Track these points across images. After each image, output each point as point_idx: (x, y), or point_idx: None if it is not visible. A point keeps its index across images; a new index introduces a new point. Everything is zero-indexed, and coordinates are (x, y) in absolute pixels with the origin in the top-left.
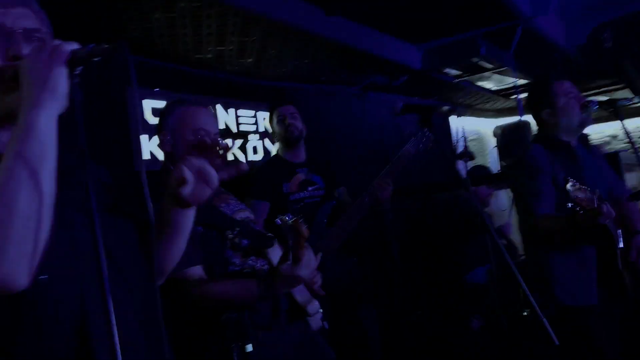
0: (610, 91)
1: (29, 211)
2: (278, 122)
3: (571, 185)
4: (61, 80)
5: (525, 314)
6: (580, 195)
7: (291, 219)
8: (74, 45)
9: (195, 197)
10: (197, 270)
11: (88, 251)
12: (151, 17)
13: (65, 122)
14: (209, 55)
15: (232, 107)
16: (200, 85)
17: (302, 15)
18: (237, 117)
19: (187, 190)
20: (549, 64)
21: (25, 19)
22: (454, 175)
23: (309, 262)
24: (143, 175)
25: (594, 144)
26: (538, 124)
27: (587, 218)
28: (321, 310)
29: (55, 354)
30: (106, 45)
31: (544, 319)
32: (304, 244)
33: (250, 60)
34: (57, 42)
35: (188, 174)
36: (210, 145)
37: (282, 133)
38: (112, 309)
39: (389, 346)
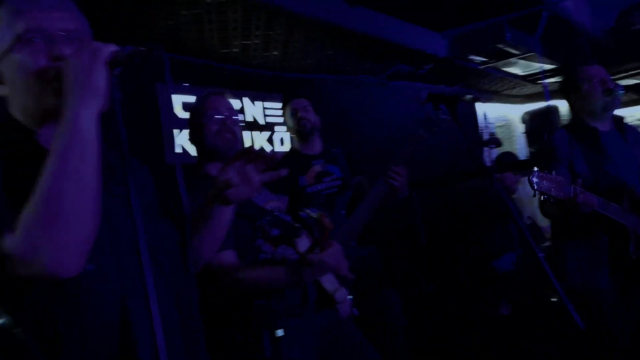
0: None
1: (76, 203)
2: (291, 115)
3: (536, 176)
4: (101, 80)
5: (554, 300)
6: (545, 184)
7: (316, 213)
8: (113, 47)
9: (237, 198)
10: (230, 255)
11: (129, 243)
12: (178, 14)
13: (106, 119)
14: (235, 50)
15: (258, 100)
16: (227, 79)
17: (326, 8)
18: (263, 109)
19: (231, 192)
20: (576, 49)
21: (65, 21)
22: (476, 163)
23: (335, 251)
24: (178, 168)
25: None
26: (569, 110)
27: (570, 207)
28: (350, 297)
29: (98, 339)
30: (143, 48)
31: (569, 304)
32: (328, 235)
33: (275, 53)
34: (97, 44)
35: (234, 178)
36: (255, 153)
37: (295, 126)
38: (153, 299)
39: (415, 333)
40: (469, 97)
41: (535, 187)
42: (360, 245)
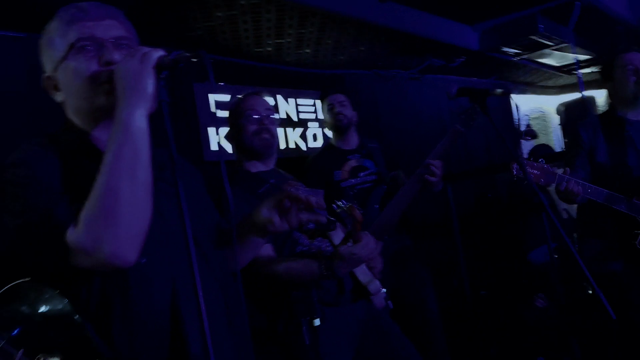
0: None
1: (131, 198)
2: (328, 111)
3: (515, 167)
4: (150, 83)
5: (590, 292)
6: (529, 170)
7: (346, 205)
8: (160, 52)
9: (277, 229)
10: (266, 249)
11: (178, 237)
12: (214, 15)
13: (154, 120)
14: (269, 49)
15: (291, 97)
16: (261, 77)
17: (357, 4)
18: (297, 106)
19: (271, 227)
20: (612, 38)
21: (113, 29)
22: (509, 155)
23: (367, 243)
24: (223, 165)
25: None
26: (606, 98)
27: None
28: (384, 290)
29: (151, 324)
30: (188, 54)
31: (601, 294)
32: (360, 227)
33: (307, 51)
34: (145, 49)
35: (276, 218)
36: (297, 199)
37: (332, 121)
38: (200, 290)
39: (452, 325)
40: (499, 90)
41: (515, 173)
42: (394, 238)
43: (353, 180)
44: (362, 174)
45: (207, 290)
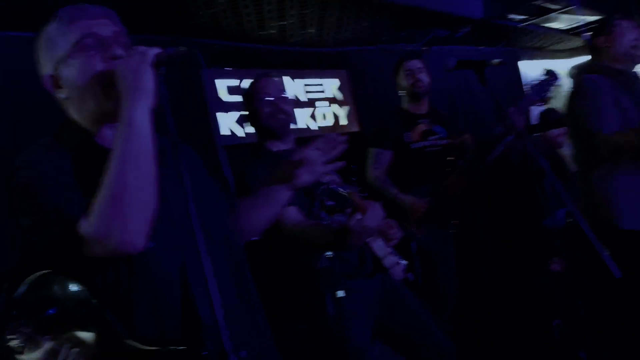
0: None
1: (137, 190)
2: (406, 76)
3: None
4: (150, 80)
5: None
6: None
7: (347, 191)
8: (156, 50)
9: (301, 182)
10: (292, 210)
11: (184, 220)
12: (216, 2)
13: (157, 112)
14: (272, 31)
15: (298, 78)
16: (266, 60)
17: None
18: (304, 86)
19: (299, 172)
20: None
21: (110, 27)
22: (507, 125)
23: (375, 213)
24: (221, 151)
25: None
26: (591, 52)
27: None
28: (404, 262)
29: (164, 303)
30: (183, 49)
31: (604, 253)
32: (363, 202)
33: (311, 30)
34: (143, 48)
35: (301, 170)
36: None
37: (410, 87)
38: (209, 269)
39: (469, 291)
40: (496, 61)
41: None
42: None
43: (423, 143)
44: (432, 137)
45: (214, 266)
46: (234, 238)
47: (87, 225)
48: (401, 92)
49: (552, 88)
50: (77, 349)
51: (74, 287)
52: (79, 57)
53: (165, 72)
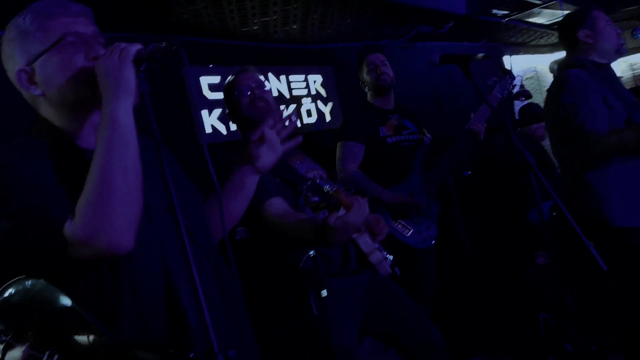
0: None
1: (124, 187)
2: (370, 71)
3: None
4: (131, 77)
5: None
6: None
7: (332, 188)
8: (137, 46)
9: (265, 164)
10: (278, 200)
11: (163, 218)
12: None
13: (138, 110)
14: (255, 27)
15: (282, 74)
16: (250, 56)
17: None
18: (288, 82)
19: (258, 160)
20: None
21: (89, 26)
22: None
23: (359, 208)
24: (205, 148)
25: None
26: (571, 46)
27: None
28: (390, 257)
29: (149, 307)
30: (164, 44)
31: (591, 247)
32: (349, 200)
33: (295, 27)
34: (123, 44)
35: (262, 150)
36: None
37: (375, 81)
38: (193, 270)
39: (451, 288)
40: (480, 55)
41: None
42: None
43: (399, 137)
44: (405, 132)
45: (197, 266)
46: (211, 237)
47: (73, 226)
48: (366, 88)
49: (511, 88)
50: (57, 355)
51: (54, 293)
52: (61, 54)
53: (146, 68)
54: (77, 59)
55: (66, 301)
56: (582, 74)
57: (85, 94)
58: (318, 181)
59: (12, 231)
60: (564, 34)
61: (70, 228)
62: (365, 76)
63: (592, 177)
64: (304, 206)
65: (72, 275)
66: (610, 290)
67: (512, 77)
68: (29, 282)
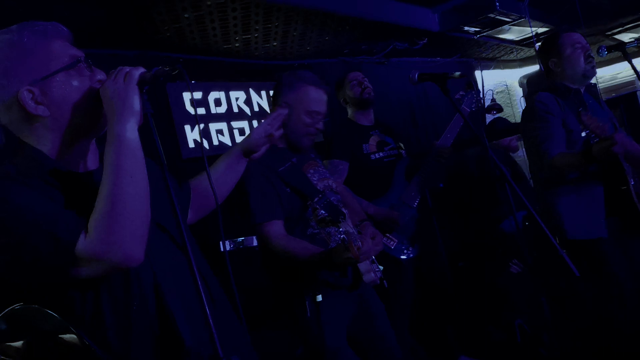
0: (638, 26)
1: (134, 202)
2: (352, 86)
3: (584, 115)
4: (136, 99)
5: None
6: (594, 123)
7: (346, 241)
8: (140, 70)
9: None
10: (277, 224)
11: (152, 234)
12: (181, 17)
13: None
14: (237, 45)
15: (263, 90)
16: (231, 72)
17: None
18: (269, 97)
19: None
20: (567, 9)
21: (78, 49)
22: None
23: (376, 244)
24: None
25: (603, 98)
26: (546, 73)
27: (601, 148)
28: (380, 267)
29: (141, 322)
30: (167, 68)
31: (564, 255)
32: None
33: (275, 44)
34: (128, 68)
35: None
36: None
37: (359, 96)
38: (193, 278)
39: (432, 297)
40: (457, 73)
41: (586, 123)
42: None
43: (381, 154)
44: (386, 148)
45: (185, 277)
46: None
47: (87, 242)
48: (348, 104)
49: (478, 102)
50: None
51: (49, 317)
52: (73, 76)
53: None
54: (86, 82)
55: (61, 324)
56: (546, 99)
57: (90, 116)
58: (332, 198)
59: (13, 262)
60: (541, 62)
61: (83, 244)
62: (349, 92)
63: (550, 193)
64: (310, 217)
65: (68, 299)
66: (582, 296)
67: (478, 92)
68: (23, 310)
